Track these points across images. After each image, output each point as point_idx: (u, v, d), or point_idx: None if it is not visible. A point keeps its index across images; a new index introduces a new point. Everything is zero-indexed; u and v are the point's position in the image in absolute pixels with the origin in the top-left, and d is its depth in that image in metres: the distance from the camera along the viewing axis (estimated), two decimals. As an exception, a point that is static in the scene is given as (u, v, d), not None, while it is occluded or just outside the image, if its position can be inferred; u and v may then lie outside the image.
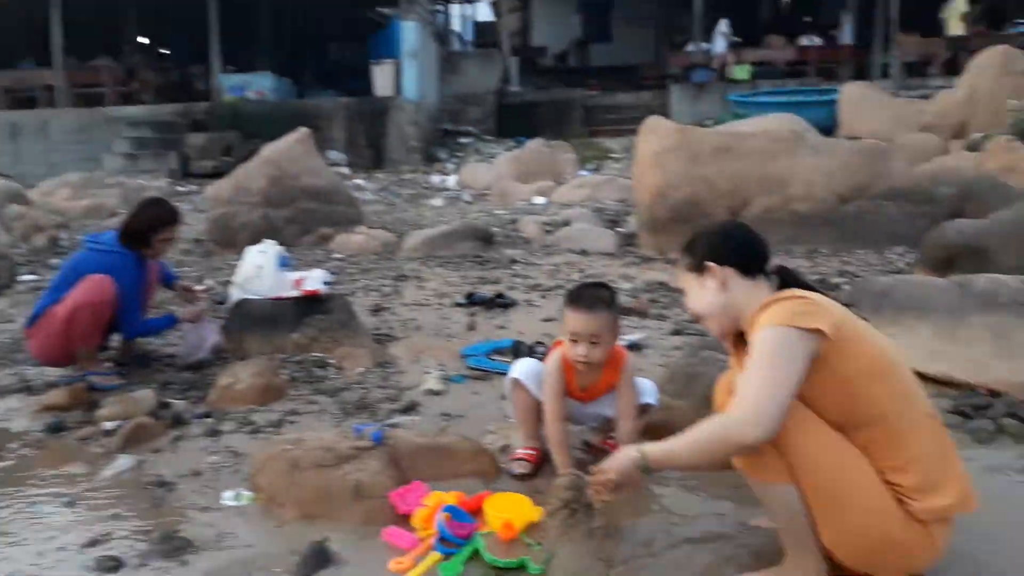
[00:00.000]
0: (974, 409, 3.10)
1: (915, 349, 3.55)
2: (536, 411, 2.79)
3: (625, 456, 1.99)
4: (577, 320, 2.62)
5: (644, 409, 2.87)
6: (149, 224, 4.06)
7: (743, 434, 1.79)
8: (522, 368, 2.85)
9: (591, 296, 2.66)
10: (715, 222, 2.40)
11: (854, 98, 12.76)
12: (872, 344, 1.89)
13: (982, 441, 2.86)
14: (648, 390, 2.89)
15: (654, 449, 1.96)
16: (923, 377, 2.59)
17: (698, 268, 2.10)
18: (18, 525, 2.51)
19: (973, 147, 9.54)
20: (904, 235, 6.46)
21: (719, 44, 18.04)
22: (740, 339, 2.11)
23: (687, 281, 2.16)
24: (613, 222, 8.79)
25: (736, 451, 1.86)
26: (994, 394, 3.24)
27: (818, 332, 1.81)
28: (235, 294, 4.62)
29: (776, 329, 1.84)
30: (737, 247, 2.10)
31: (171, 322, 4.25)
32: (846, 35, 18.64)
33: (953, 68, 15.34)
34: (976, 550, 2.09)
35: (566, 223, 8.33)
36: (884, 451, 1.83)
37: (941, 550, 1.84)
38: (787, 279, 2.07)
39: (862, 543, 1.82)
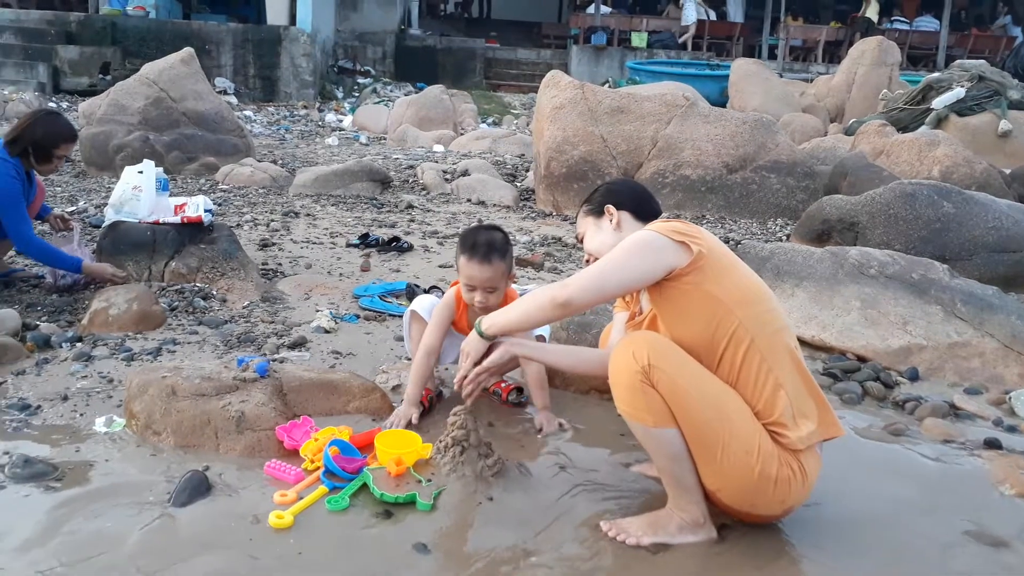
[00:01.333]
0: (843, 372, 3.30)
1: (792, 313, 3.75)
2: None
3: (470, 337, 2.23)
4: (473, 269, 2.61)
5: (538, 341, 2.94)
6: (50, 138, 3.75)
7: (553, 295, 1.97)
8: (421, 303, 2.85)
9: (487, 245, 2.62)
10: (609, 180, 2.57)
11: (744, 74, 13.17)
12: (741, 271, 1.99)
13: (848, 402, 3.06)
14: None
15: (488, 317, 2.20)
16: (799, 340, 2.73)
17: (596, 211, 2.29)
18: None
19: (849, 131, 10.09)
20: (785, 207, 6.78)
21: (690, 13, 18.04)
22: None
23: (586, 225, 2.32)
24: (511, 176, 8.78)
25: (547, 305, 1.99)
26: (862, 359, 3.46)
27: (684, 246, 1.89)
28: (110, 216, 4.32)
29: (646, 230, 1.97)
30: (633, 195, 2.34)
31: (76, 268, 3.86)
32: (736, 13, 19.21)
33: (834, 56, 16.22)
34: (839, 501, 2.25)
35: (465, 173, 8.25)
36: (753, 379, 1.91)
37: (813, 482, 1.96)
38: None
39: (742, 483, 1.90)
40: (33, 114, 3.94)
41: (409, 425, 2.57)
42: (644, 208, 2.28)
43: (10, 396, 2.69)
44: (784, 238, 6.05)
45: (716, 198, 6.86)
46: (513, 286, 4.23)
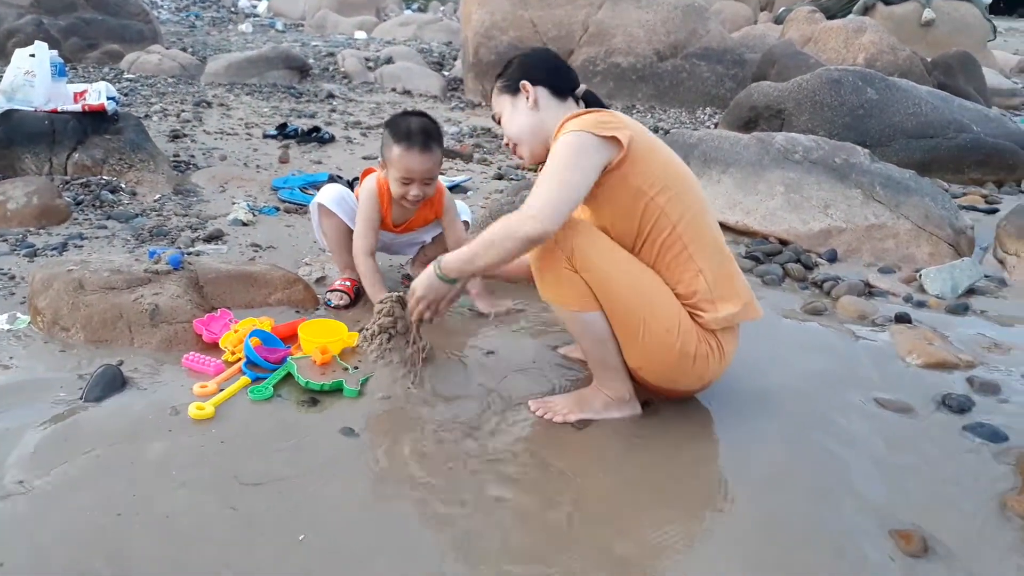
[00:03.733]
0: (765, 255, 3.36)
1: (718, 199, 3.78)
2: (349, 238, 2.69)
3: (424, 272, 2.01)
4: (412, 160, 2.47)
5: (463, 226, 2.91)
6: None
7: (527, 228, 1.82)
8: (327, 194, 2.71)
9: (423, 132, 2.48)
10: (523, 51, 2.32)
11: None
12: (664, 158, 1.96)
13: (769, 284, 3.13)
14: (462, 210, 2.91)
15: (449, 257, 1.97)
16: (722, 226, 2.75)
17: (512, 89, 2.12)
18: None
19: (779, 20, 10.03)
20: (714, 96, 6.76)
21: None
22: None
23: (502, 105, 2.17)
24: (438, 64, 8.48)
25: (521, 245, 1.86)
26: (783, 243, 3.53)
27: (614, 140, 1.85)
28: (1, 104, 3.99)
29: (574, 134, 1.86)
30: (549, 69, 2.15)
31: None
32: None
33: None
34: (757, 376, 2.32)
35: (389, 61, 7.93)
36: (674, 263, 1.92)
37: (730, 358, 2.01)
38: (594, 103, 2.10)
39: (664, 360, 1.94)
40: None
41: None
42: (561, 81, 2.11)
43: (-100, 296, 2.52)
44: (713, 126, 6.05)
45: (647, 87, 6.79)
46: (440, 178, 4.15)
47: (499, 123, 2.21)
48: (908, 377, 2.39)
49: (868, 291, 3.07)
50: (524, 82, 2.08)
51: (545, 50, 2.31)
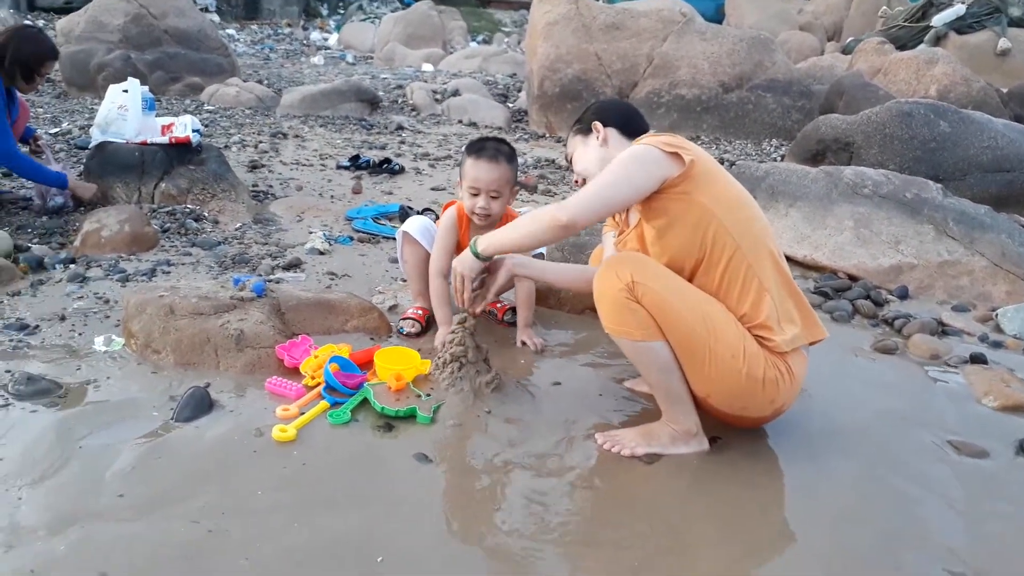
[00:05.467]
0: (834, 291, 3.33)
1: (785, 233, 3.77)
2: (426, 266, 2.78)
3: (462, 255, 2.20)
4: (479, 170, 2.60)
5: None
6: (34, 55, 3.67)
7: (554, 215, 1.95)
8: (413, 223, 2.82)
9: (495, 148, 2.65)
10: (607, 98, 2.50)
11: (741, -9, 12.86)
12: (727, 182, 2.02)
13: (839, 320, 3.10)
14: None
15: (485, 237, 2.15)
16: (790, 260, 2.75)
17: (585, 130, 2.27)
18: None
19: (847, 50, 9.91)
20: (780, 127, 6.72)
21: None
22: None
23: (574, 145, 2.31)
24: (503, 96, 8.64)
25: (548, 228, 1.97)
26: (853, 278, 3.49)
27: (676, 157, 1.92)
28: (96, 136, 4.24)
29: (638, 145, 1.97)
30: (620, 111, 2.31)
31: (62, 183, 3.82)
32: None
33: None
34: (826, 414, 2.31)
35: (456, 93, 8.11)
36: (740, 284, 1.95)
37: (800, 382, 2.01)
38: None
39: (731, 386, 1.95)
40: (14, 30, 3.82)
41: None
42: (632, 124, 2.24)
43: (7, 316, 2.69)
44: (779, 159, 6.01)
45: (711, 118, 6.79)
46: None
47: (570, 162, 2.34)
48: (984, 420, 2.35)
49: (941, 329, 3.02)
50: (596, 122, 2.23)
51: (620, 100, 2.48)
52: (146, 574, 1.50)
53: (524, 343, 2.71)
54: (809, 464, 2.04)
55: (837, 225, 3.71)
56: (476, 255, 2.16)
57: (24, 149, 4.09)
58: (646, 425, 2.13)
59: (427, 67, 10.79)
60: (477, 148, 2.64)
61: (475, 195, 2.63)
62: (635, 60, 6.83)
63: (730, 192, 2.00)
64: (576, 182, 2.28)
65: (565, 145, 2.40)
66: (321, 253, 3.59)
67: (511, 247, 2.13)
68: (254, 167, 5.13)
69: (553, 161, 5.93)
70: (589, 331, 2.86)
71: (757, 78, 6.81)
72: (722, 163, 5.74)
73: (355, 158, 5.49)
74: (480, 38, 14.76)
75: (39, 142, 4.17)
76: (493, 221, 2.69)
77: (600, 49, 6.82)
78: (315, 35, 14.85)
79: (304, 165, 5.37)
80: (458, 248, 2.78)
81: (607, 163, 2.08)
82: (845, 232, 3.67)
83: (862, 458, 2.09)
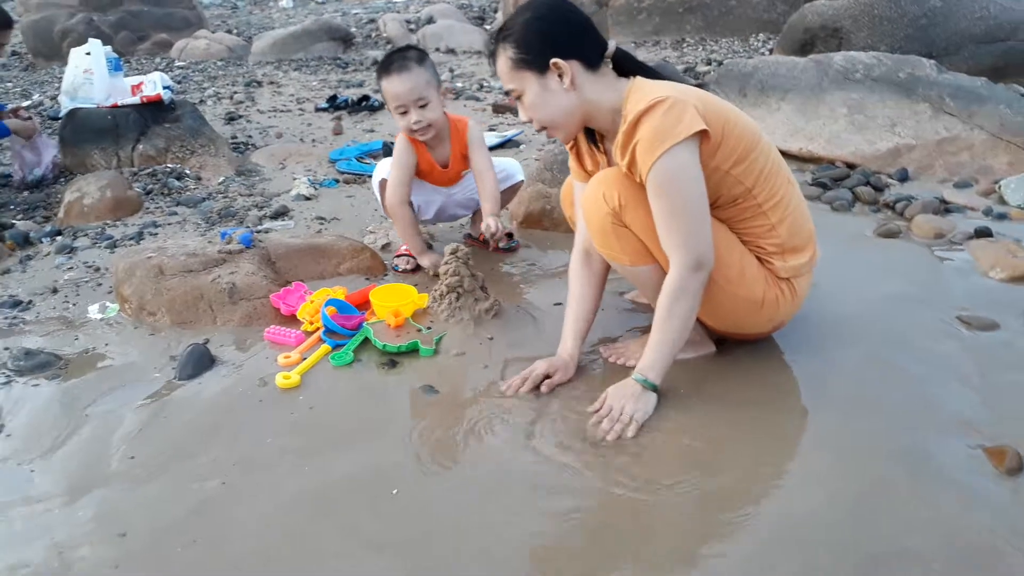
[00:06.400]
0: (833, 181, 3.27)
1: (778, 127, 3.68)
2: (410, 208, 2.72)
3: (634, 393, 1.80)
4: (393, 84, 2.49)
5: (515, 188, 2.94)
6: None
7: (702, 277, 1.76)
8: (385, 167, 2.73)
9: (400, 58, 2.51)
10: (532, 2, 1.83)
11: None
12: (735, 123, 1.81)
13: (839, 209, 3.05)
14: (515, 168, 2.92)
15: (645, 363, 1.82)
16: (784, 154, 2.67)
17: (537, 65, 1.77)
18: None
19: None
20: (766, 21, 6.52)
21: None
22: (585, 137, 1.98)
23: (525, 83, 1.80)
24: (479, 19, 8.39)
25: (693, 295, 1.77)
26: (850, 166, 3.42)
27: (699, 135, 1.71)
28: (65, 104, 4.14)
29: (666, 158, 1.68)
30: (576, 33, 1.80)
31: (4, 133, 3.76)
32: None
33: None
34: (831, 302, 2.28)
35: (430, 20, 7.88)
36: (747, 222, 1.88)
37: (802, 299, 1.98)
38: (625, 63, 1.86)
39: (727, 309, 1.91)
40: None
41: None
42: (592, 49, 1.81)
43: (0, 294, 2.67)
44: (767, 53, 5.85)
45: (695, 18, 6.59)
46: (489, 133, 4.13)
47: (517, 99, 1.86)
48: (992, 292, 2.32)
49: (944, 208, 2.97)
50: (556, 60, 1.76)
51: (561, 3, 1.86)
52: (166, 532, 1.51)
53: (491, 233, 2.49)
54: (816, 355, 2.02)
55: (830, 114, 3.62)
56: (653, 388, 1.82)
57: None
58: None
59: (399, -2, 10.48)
60: (384, 66, 2.52)
61: (404, 112, 2.53)
62: (611, -34, 6.59)
63: (741, 137, 1.80)
64: (529, 122, 1.87)
65: (492, 64, 1.87)
66: (308, 199, 3.53)
67: (676, 351, 1.84)
68: (231, 119, 5.02)
69: (508, 92, 5.79)
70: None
71: (738, -29, 6.58)
72: (709, 64, 5.60)
73: (333, 98, 5.37)
74: (450, -38, 14.26)
75: (19, 113, 4.05)
76: (438, 130, 2.59)
77: (573, -42, 6.58)
78: (281, -23, 14.37)
79: (282, 111, 5.25)
80: (418, 172, 2.70)
81: (578, 109, 1.81)
82: (839, 120, 3.58)
83: (870, 343, 2.07)
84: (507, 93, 1.89)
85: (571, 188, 2.25)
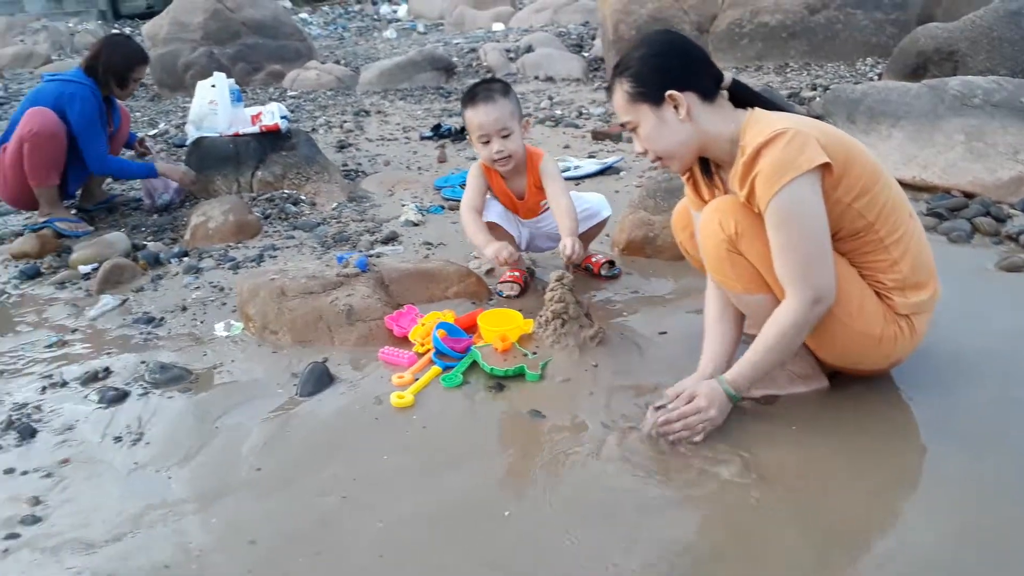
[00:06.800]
0: (949, 211, 3.15)
1: (890, 155, 3.58)
2: (509, 237, 2.79)
3: (722, 404, 1.84)
4: (478, 115, 2.57)
5: (601, 224, 2.96)
6: (125, 62, 3.84)
7: (818, 312, 1.74)
8: (492, 211, 2.82)
9: (485, 89, 2.61)
10: (647, 37, 1.91)
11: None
12: (857, 157, 1.80)
13: (957, 241, 2.94)
14: (601, 204, 2.95)
15: (735, 373, 1.84)
16: (899, 183, 2.60)
17: (652, 98, 1.81)
18: (15, 365, 2.50)
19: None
20: (875, 45, 6.35)
21: None
22: (699, 168, 2.00)
23: (640, 115, 1.85)
24: (578, 46, 8.49)
25: (807, 328, 1.77)
26: (968, 196, 3.29)
27: (821, 168, 1.70)
28: (192, 133, 4.43)
29: (787, 190, 1.67)
30: (690, 65, 1.83)
31: (150, 171, 4.03)
32: None
33: None
34: (952, 339, 2.20)
35: (529, 49, 8.02)
36: (868, 256, 1.84)
37: (921, 336, 1.92)
38: (741, 94, 1.89)
39: (844, 344, 1.87)
40: (105, 39, 4.01)
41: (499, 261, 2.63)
42: (707, 81, 1.84)
43: (135, 311, 2.88)
44: (876, 78, 5.69)
45: (799, 43, 6.48)
46: (588, 160, 4.18)
47: (632, 131, 1.91)
48: None
49: (1074, 240, 2.82)
50: (672, 92, 1.79)
51: (675, 37, 1.94)
52: (291, 540, 1.59)
53: (569, 255, 2.48)
54: (937, 392, 1.96)
55: (946, 141, 3.50)
56: (733, 398, 1.85)
57: (129, 154, 4.32)
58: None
59: (498, 26, 10.71)
60: (469, 96, 2.61)
61: (487, 142, 2.60)
62: (712, -8, 6.57)
63: (864, 171, 1.78)
64: (644, 155, 1.92)
65: (609, 97, 1.94)
66: (415, 224, 3.66)
67: (770, 368, 1.85)
68: (342, 147, 5.25)
69: (624, 124, 5.81)
70: (691, 278, 2.81)
71: (845, -6, 6.43)
72: (815, 89, 5.50)
73: (437, 127, 5.53)
74: (548, -10, 14.48)
75: (145, 144, 4.38)
76: (516, 162, 2.66)
77: (674, -15, 6.59)
78: (384, 8, 14.94)
79: (389, 140, 5.45)
80: (509, 204, 2.79)
81: (694, 140, 1.84)
82: (956, 148, 3.46)
83: (994, 380, 1.99)
84: (623, 125, 1.93)
85: (682, 214, 2.25)
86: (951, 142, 3.48)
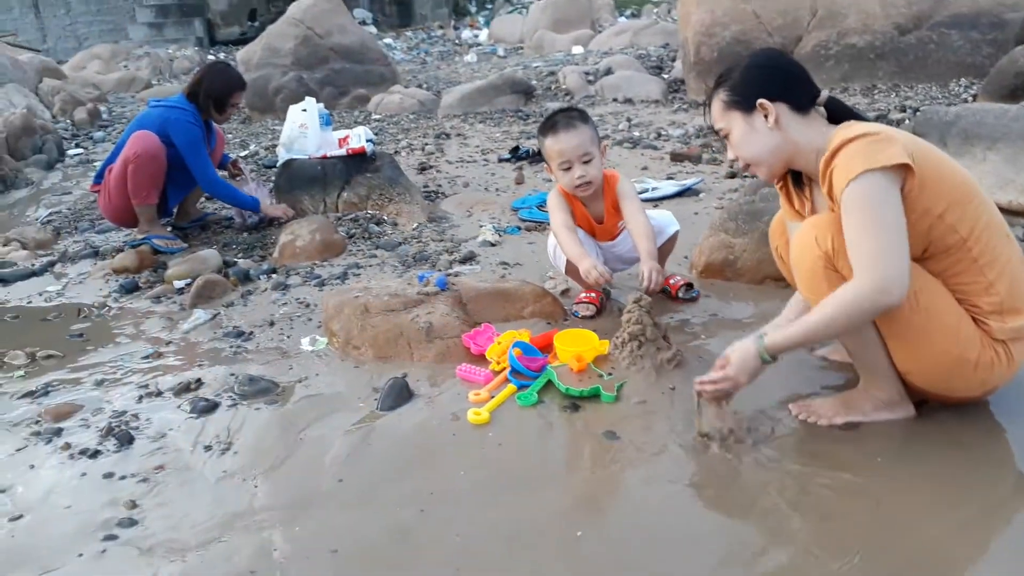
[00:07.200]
0: (1046, 236, 3.02)
1: (984, 179, 3.44)
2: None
3: (745, 356, 1.86)
4: (560, 142, 2.60)
5: (672, 240, 2.93)
6: (224, 88, 4.05)
7: (882, 302, 1.68)
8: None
9: (565, 116, 2.64)
10: (751, 54, 2.04)
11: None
12: (949, 170, 1.78)
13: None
14: (667, 221, 2.93)
15: (777, 336, 1.83)
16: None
17: (745, 106, 1.92)
18: (115, 374, 2.64)
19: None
20: (969, 65, 6.13)
21: None
22: (790, 179, 2.05)
23: (732, 122, 1.96)
24: (657, 68, 8.48)
25: (872, 317, 1.75)
26: (1067, 220, 3.15)
27: (901, 168, 1.69)
28: (282, 155, 4.61)
29: (863, 179, 1.68)
30: (784, 77, 1.92)
31: (255, 206, 4.21)
32: None
33: None
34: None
35: (608, 72, 8.05)
36: (962, 276, 1.79)
37: (1018, 365, 1.84)
38: (838, 111, 1.92)
39: (937, 366, 1.82)
40: (208, 67, 4.23)
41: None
42: (801, 94, 1.90)
43: (225, 325, 3.01)
44: (970, 99, 5.49)
45: (887, 64, 6.32)
46: (667, 181, 4.16)
47: (725, 138, 2.02)
48: None
49: None
50: (762, 100, 1.88)
51: (775, 53, 2.07)
52: (372, 551, 1.64)
53: (647, 281, 2.49)
54: (1032, 427, 1.87)
55: (1046, 164, 3.35)
56: (764, 359, 1.86)
57: (222, 174, 4.53)
58: (845, 393, 2.04)
59: (577, 49, 10.79)
60: (549, 125, 2.65)
61: (568, 168, 2.61)
62: (797, 13, 6.47)
63: (955, 184, 1.76)
64: (736, 162, 2.02)
65: (707, 108, 2.04)
66: (492, 244, 3.71)
67: (813, 340, 1.87)
68: (423, 169, 5.37)
69: (718, 131, 5.76)
70: (771, 301, 2.76)
71: (938, 15, 6.24)
72: (904, 111, 5.34)
73: (515, 149, 5.61)
74: (628, 12, 14.54)
75: (238, 166, 4.59)
76: (596, 187, 2.67)
77: (758, 7, 6.53)
78: (466, 33, 15.25)
79: (468, 162, 5.55)
80: (588, 230, 2.80)
81: (782, 150, 1.90)
82: (1057, 171, 3.30)
83: (1099, 418, 1.88)
84: (717, 132, 2.04)
85: (780, 221, 2.25)
86: (1052, 165, 3.33)
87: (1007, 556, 1.47)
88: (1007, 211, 3.30)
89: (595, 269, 2.52)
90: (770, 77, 1.91)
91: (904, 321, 1.79)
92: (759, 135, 1.92)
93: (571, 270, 2.82)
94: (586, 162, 2.62)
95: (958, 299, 1.81)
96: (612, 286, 2.89)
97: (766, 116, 1.89)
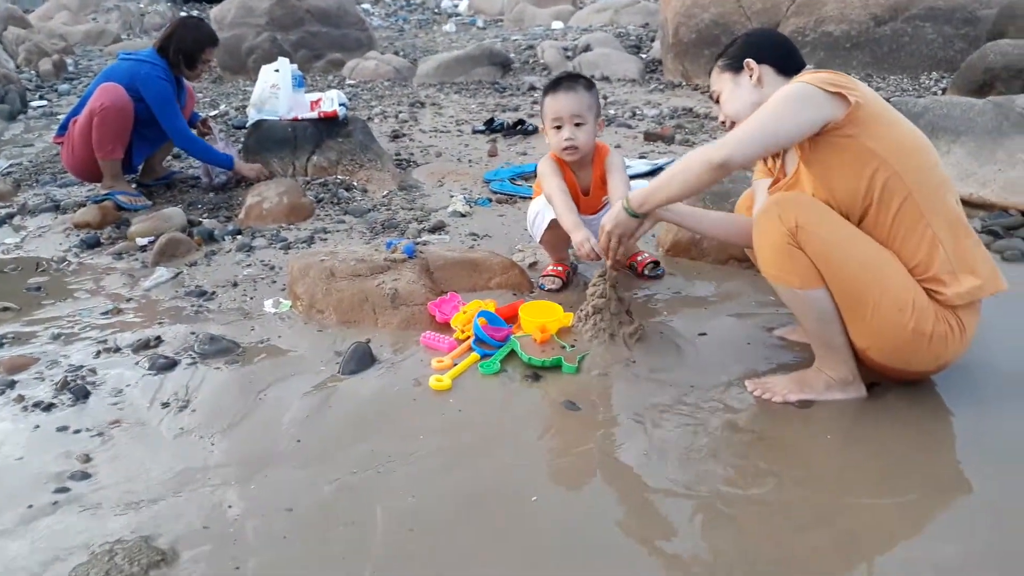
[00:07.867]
0: (1005, 229, 3.08)
1: (948, 170, 3.49)
2: (559, 236, 2.76)
3: (613, 208, 2.20)
4: (558, 101, 2.61)
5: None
6: (196, 44, 3.96)
7: (707, 156, 1.89)
8: (541, 203, 2.79)
9: (569, 79, 2.66)
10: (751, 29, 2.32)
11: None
12: (901, 124, 1.87)
13: (1011, 260, 2.87)
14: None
15: (635, 192, 2.14)
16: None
17: (735, 67, 2.12)
18: (72, 329, 2.60)
19: (1020, -34, 8.94)
20: (941, 59, 6.20)
21: None
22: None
23: (722, 83, 2.16)
24: (636, 48, 8.46)
25: (703, 171, 1.91)
26: (1025, 214, 3.22)
27: (840, 96, 1.78)
28: (252, 115, 4.54)
29: (798, 84, 1.85)
30: (774, 46, 2.12)
31: (228, 163, 4.13)
32: None
33: None
34: (997, 359, 2.16)
35: (587, 48, 8.01)
36: (910, 233, 1.82)
37: (970, 338, 1.89)
38: None
39: (895, 340, 1.86)
40: (179, 21, 4.13)
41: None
42: (787, 61, 2.07)
43: (187, 284, 2.97)
44: (939, 92, 5.56)
45: (862, 54, 6.37)
46: (639, 160, 4.17)
47: (717, 102, 2.20)
48: None
49: None
50: (748, 60, 2.08)
51: (770, 29, 2.30)
52: (326, 510, 1.64)
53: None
54: (976, 407, 1.93)
55: (1008, 159, 3.42)
56: (631, 214, 2.14)
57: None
58: (799, 372, 2.08)
59: (557, 25, 10.72)
60: (553, 84, 2.67)
61: (559, 128, 2.62)
62: (775, -1, 6.48)
63: (903, 136, 1.85)
64: (723, 123, 2.19)
65: (707, 92, 2.32)
66: (463, 215, 3.70)
67: (665, 199, 2.09)
68: (396, 136, 5.32)
69: (691, 110, 5.77)
70: (734, 281, 2.81)
71: (914, 7, 6.28)
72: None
73: (490, 121, 5.57)
74: (609, -9, 14.45)
75: (208, 124, 4.50)
76: (583, 154, 2.67)
77: (737, -10, 6.52)
78: (446, 3, 15.04)
79: (442, 132, 5.51)
80: (573, 195, 2.74)
81: (761, 106, 1.97)
82: (1018, 166, 3.37)
83: (1039, 404, 1.95)
84: (711, 96, 2.24)
85: (747, 197, 2.47)
86: (1013, 160, 3.40)
87: (949, 533, 1.52)
88: (967, 203, 3.37)
89: (588, 243, 2.45)
90: (759, 43, 2.13)
91: (861, 294, 1.83)
92: (742, 91, 2.10)
93: (547, 240, 2.81)
94: (577, 125, 2.62)
95: (910, 269, 1.85)
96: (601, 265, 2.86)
97: (751, 75, 2.07)
